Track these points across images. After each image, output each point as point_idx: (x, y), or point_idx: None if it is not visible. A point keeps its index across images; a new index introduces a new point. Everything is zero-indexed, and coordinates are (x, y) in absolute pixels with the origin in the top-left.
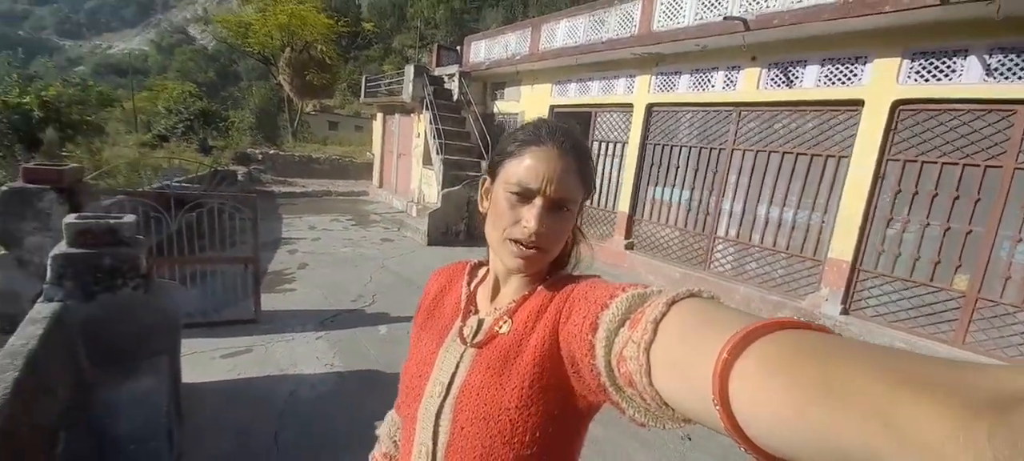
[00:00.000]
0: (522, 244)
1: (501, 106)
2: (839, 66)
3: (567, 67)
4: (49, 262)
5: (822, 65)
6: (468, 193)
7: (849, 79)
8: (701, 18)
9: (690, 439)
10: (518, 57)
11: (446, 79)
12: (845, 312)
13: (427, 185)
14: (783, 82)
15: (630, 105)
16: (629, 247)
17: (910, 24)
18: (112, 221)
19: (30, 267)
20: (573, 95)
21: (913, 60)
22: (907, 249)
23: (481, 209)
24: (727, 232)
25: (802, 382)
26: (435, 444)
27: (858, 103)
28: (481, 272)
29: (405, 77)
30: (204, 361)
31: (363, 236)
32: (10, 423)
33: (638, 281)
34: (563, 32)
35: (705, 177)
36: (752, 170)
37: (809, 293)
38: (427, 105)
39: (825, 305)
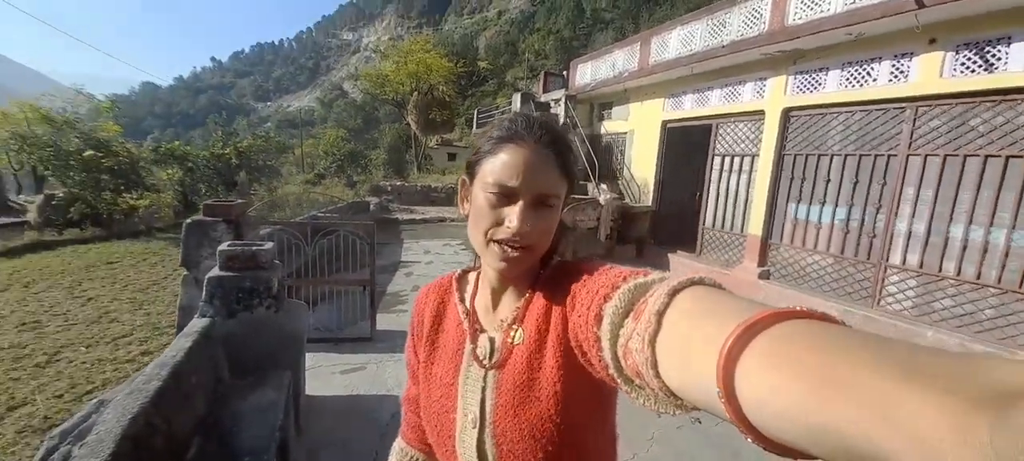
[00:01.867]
0: (507, 245)
1: (608, 126)
2: None
3: (681, 79)
4: (205, 282)
5: None
6: (574, 216)
7: None
8: (853, 2)
9: (700, 422)
10: (625, 74)
11: (552, 104)
12: None
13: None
14: (980, 66)
15: (760, 112)
16: (764, 276)
17: None
18: (255, 248)
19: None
20: (689, 107)
21: None
22: None
23: (461, 212)
24: (905, 259)
25: (805, 373)
26: None
27: None
28: (470, 281)
29: (512, 105)
30: (325, 375)
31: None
32: (146, 430)
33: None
34: (676, 42)
35: (867, 190)
36: (940, 180)
37: None
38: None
39: None
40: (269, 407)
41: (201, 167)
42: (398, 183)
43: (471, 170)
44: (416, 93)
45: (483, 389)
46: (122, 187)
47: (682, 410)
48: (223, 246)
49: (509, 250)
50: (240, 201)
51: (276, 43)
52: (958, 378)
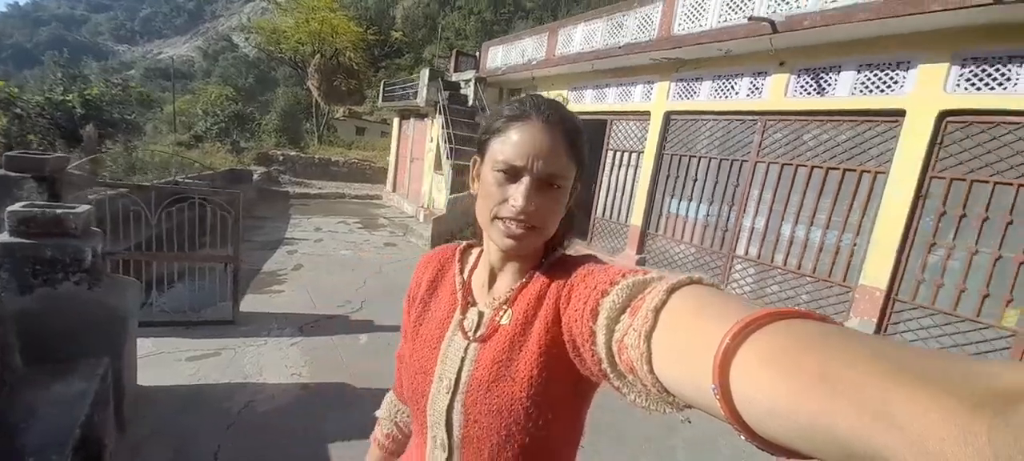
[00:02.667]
0: (511, 222)
1: None
2: (877, 72)
3: (583, 73)
4: None
5: (858, 71)
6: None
7: (889, 87)
8: (725, 20)
9: (690, 422)
10: (534, 62)
11: (463, 85)
12: None
13: (437, 190)
14: (814, 89)
15: (647, 113)
16: (641, 263)
17: (960, 26)
18: (60, 210)
19: None
20: (589, 102)
21: (963, 66)
22: (951, 279)
23: (471, 190)
24: (747, 251)
25: (801, 372)
26: (450, 437)
27: (899, 114)
28: (473, 256)
29: (420, 81)
30: (169, 363)
31: (366, 240)
32: None
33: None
34: (580, 37)
35: (725, 191)
36: (777, 184)
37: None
38: (440, 110)
39: None
40: (75, 399)
41: (32, 115)
42: (292, 153)
43: (481, 149)
44: (319, 56)
45: (462, 359)
46: None
47: (673, 408)
48: (16, 207)
49: (513, 226)
50: (57, 155)
51: None
52: (956, 379)
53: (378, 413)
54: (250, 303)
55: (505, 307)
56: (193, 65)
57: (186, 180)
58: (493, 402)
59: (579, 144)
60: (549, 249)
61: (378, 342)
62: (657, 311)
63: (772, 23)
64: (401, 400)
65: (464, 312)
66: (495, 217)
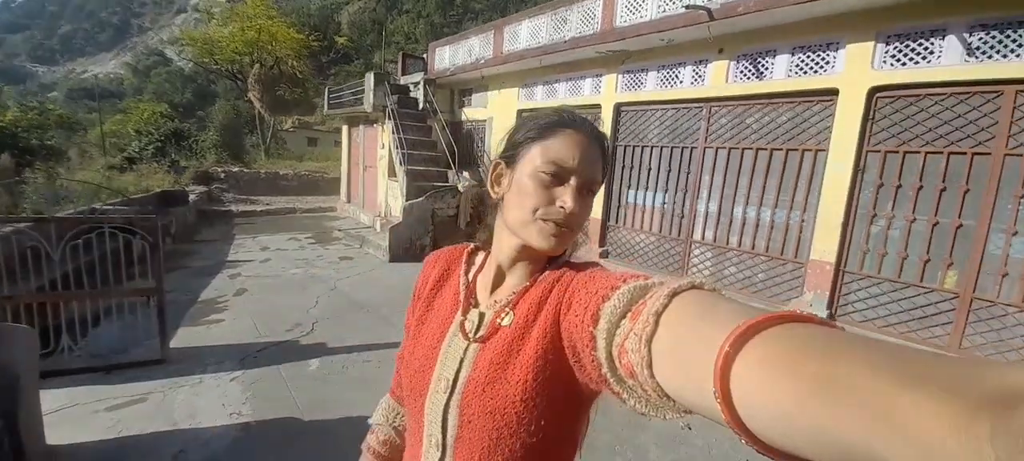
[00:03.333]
0: (556, 223)
1: (469, 113)
2: (810, 54)
3: (533, 70)
4: None
5: (793, 54)
6: (433, 205)
7: (821, 67)
8: (664, 10)
9: (690, 428)
10: (483, 61)
11: (412, 88)
12: (831, 317)
13: (393, 198)
14: (753, 74)
15: (598, 106)
16: (604, 256)
17: (882, 5)
18: None
19: None
20: (540, 98)
21: (888, 43)
22: (893, 247)
23: (494, 194)
24: (704, 235)
25: (803, 376)
26: (444, 436)
27: (832, 93)
28: (479, 258)
29: (366, 86)
30: (84, 416)
31: (319, 255)
32: None
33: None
34: (526, 33)
35: (677, 178)
36: (726, 168)
37: (793, 298)
38: (390, 114)
39: (810, 311)
40: None
41: None
42: (235, 169)
43: (515, 153)
44: (258, 66)
45: (461, 360)
46: None
47: (674, 413)
48: None
49: (561, 227)
50: None
51: None
52: (957, 381)
53: (372, 420)
54: (184, 337)
55: (507, 309)
56: (122, 83)
57: (106, 207)
58: (487, 404)
59: (607, 157)
60: (554, 256)
61: (331, 366)
62: (658, 316)
63: (709, 11)
64: (399, 402)
65: (466, 313)
66: (538, 218)
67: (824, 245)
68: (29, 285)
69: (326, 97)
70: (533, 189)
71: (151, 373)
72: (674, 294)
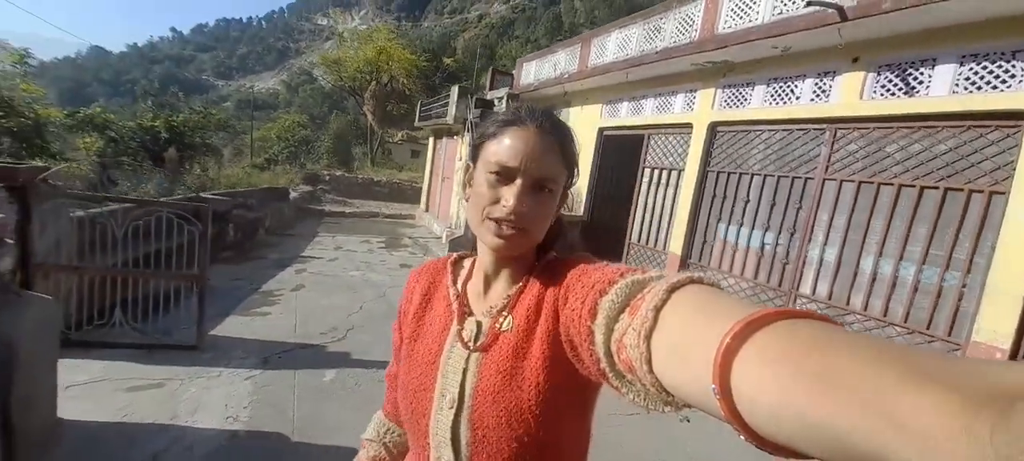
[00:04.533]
0: (503, 224)
1: None
2: (986, 65)
3: (618, 85)
4: None
5: (961, 64)
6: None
7: (1003, 82)
8: (780, 12)
9: (689, 421)
10: (566, 75)
11: (496, 102)
12: None
13: (463, 210)
14: (900, 89)
15: (689, 125)
16: None
17: None
18: None
19: None
20: (624, 116)
21: None
22: None
23: (464, 196)
24: (815, 289)
25: (804, 372)
26: (457, 454)
27: (1018, 116)
28: (466, 266)
29: (450, 98)
30: (106, 392)
31: (383, 260)
32: None
33: None
34: (614, 45)
35: (784, 214)
36: (853, 207)
37: None
38: (469, 127)
39: None
40: None
41: (125, 138)
42: (338, 173)
43: (474, 153)
44: (374, 83)
45: (465, 371)
46: (24, 153)
47: (672, 407)
48: None
49: (505, 228)
50: (35, 165)
51: (243, 20)
52: (959, 378)
53: (364, 435)
54: (230, 326)
55: (504, 313)
56: (278, 97)
57: (215, 196)
58: (501, 412)
59: (570, 150)
60: (541, 253)
61: (345, 380)
62: (657, 310)
63: (840, 9)
64: (390, 419)
65: (461, 322)
66: (486, 217)
67: (995, 323)
68: (96, 262)
69: (418, 109)
70: (484, 189)
71: (182, 358)
72: (673, 289)
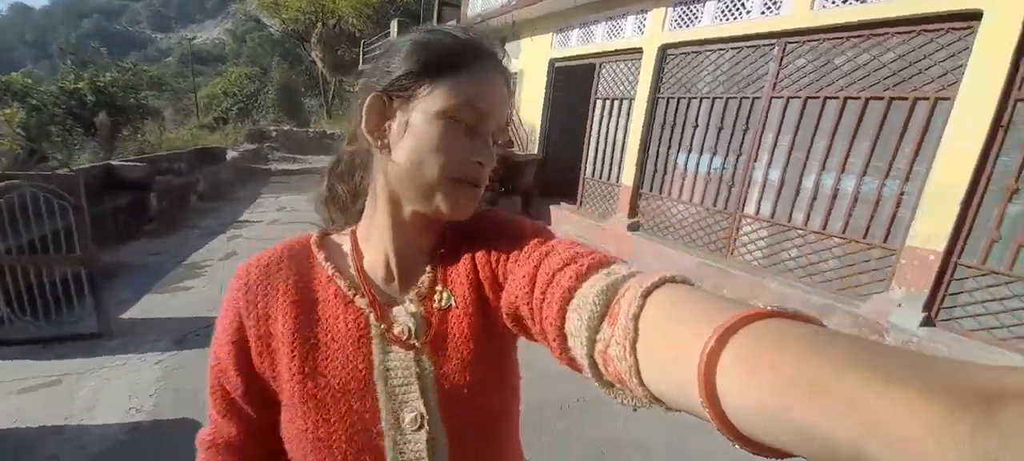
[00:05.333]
0: (471, 184)
1: None
2: None
3: (568, 10)
4: None
5: None
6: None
7: None
8: None
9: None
10: (514, 2)
11: None
12: (928, 322)
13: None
14: None
15: (639, 50)
16: (634, 228)
17: None
18: None
19: None
20: (575, 44)
21: None
22: None
23: (372, 142)
24: (759, 209)
25: (783, 376)
26: None
27: (972, 17)
28: (342, 247)
29: (391, 35)
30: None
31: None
32: None
33: (644, 270)
34: None
35: (731, 137)
36: (798, 125)
37: (874, 293)
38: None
39: (896, 311)
40: None
41: (49, 106)
42: (286, 128)
43: (405, 85)
44: (320, 25)
45: (419, 375)
46: None
47: (666, 409)
48: None
49: (473, 189)
50: None
51: None
52: (940, 380)
53: None
54: (146, 306)
55: (439, 289)
56: (224, 48)
57: (129, 162)
58: (478, 410)
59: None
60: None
61: None
62: (636, 319)
63: None
64: None
65: (382, 318)
66: (452, 177)
67: (930, 228)
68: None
69: (362, 52)
70: (444, 141)
71: (86, 349)
72: (648, 293)
